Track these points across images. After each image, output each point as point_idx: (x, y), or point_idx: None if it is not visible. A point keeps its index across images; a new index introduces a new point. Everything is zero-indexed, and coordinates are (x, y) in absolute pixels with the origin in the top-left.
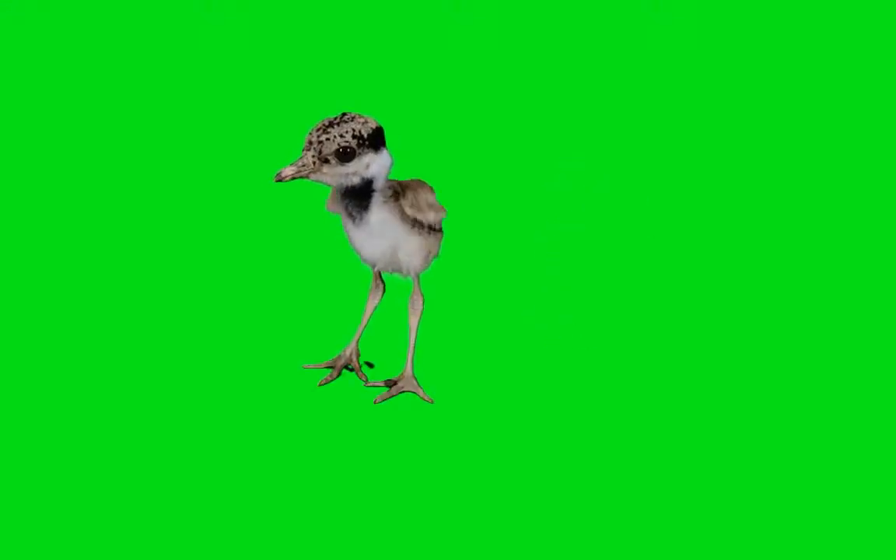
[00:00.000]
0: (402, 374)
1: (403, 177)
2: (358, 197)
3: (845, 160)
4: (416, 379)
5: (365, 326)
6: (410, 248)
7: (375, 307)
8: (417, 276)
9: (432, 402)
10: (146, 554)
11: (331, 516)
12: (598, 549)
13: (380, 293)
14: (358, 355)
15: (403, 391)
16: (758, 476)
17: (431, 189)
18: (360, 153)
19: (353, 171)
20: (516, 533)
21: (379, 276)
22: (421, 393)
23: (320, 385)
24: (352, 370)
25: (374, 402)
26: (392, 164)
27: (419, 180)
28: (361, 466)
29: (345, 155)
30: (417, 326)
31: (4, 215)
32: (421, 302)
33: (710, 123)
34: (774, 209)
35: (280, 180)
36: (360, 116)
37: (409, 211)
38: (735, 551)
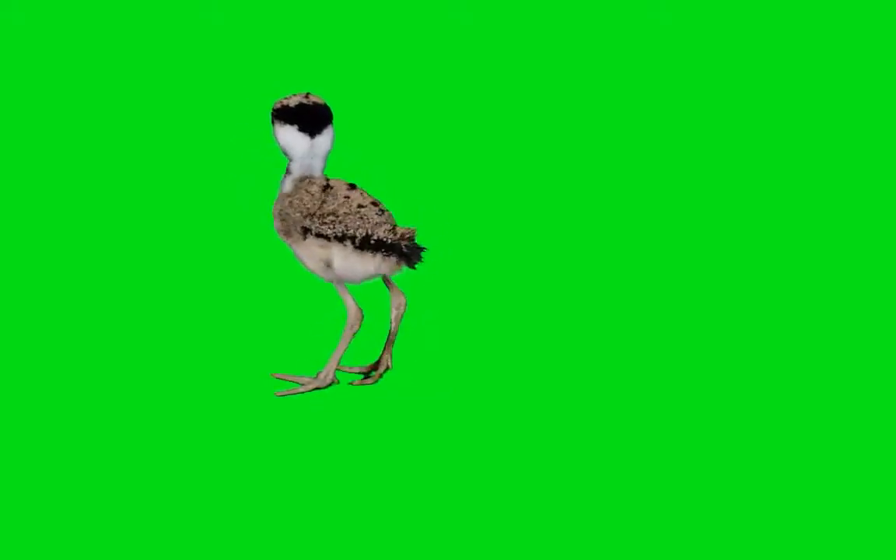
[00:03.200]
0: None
1: (404, 174)
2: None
3: (844, 160)
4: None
5: (395, 333)
6: (297, 247)
7: (399, 314)
8: (336, 285)
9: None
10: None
11: (329, 512)
12: (596, 548)
13: (395, 298)
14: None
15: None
16: (754, 472)
17: (348, 194)
18: (273, 122)
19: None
20: (518, 531)
21: (388, 280)
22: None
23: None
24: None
25: (276, 395)
26: (291, 151)
27: (343, 187)
28: (360, 461)
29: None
30: (345, 341)
31: None
32: (349, 320)
33: (703, 124)
34: (771, 210)
35: None
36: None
37: (280, 199)
38: (733, 548)
